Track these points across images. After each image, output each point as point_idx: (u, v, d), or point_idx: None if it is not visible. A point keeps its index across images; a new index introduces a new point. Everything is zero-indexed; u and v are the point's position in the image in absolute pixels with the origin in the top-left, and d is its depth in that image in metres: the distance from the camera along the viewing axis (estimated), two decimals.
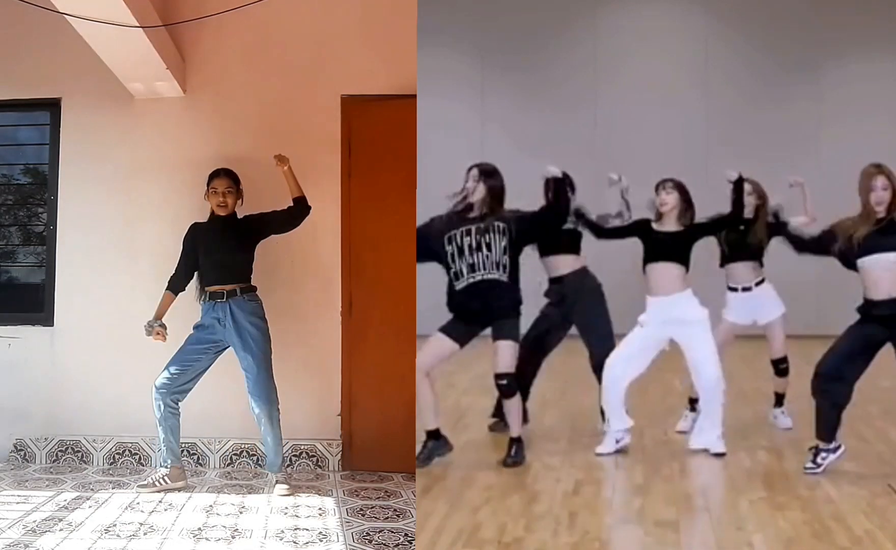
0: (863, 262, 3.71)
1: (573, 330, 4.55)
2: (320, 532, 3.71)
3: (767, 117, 8.79)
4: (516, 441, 3.94)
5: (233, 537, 3.64)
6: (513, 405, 3.93)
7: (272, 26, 5.02)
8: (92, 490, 4.41)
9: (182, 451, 4.91)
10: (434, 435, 3.94)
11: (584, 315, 4.43)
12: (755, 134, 8.65)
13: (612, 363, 4.13)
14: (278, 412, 4.45)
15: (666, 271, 4.06)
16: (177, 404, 4.47)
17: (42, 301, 5.13)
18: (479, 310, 3.91)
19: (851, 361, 3.71)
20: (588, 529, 3.08)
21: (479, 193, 3.93)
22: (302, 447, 4.95)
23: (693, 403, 4.53)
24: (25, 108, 5.26)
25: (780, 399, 4.67)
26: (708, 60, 9.06)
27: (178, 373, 4.43)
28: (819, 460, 3.75)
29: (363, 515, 4.00)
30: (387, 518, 3.94)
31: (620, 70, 9.06)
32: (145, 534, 3.66)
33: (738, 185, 4.16)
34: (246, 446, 4.95)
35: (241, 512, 4.02)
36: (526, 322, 4.16)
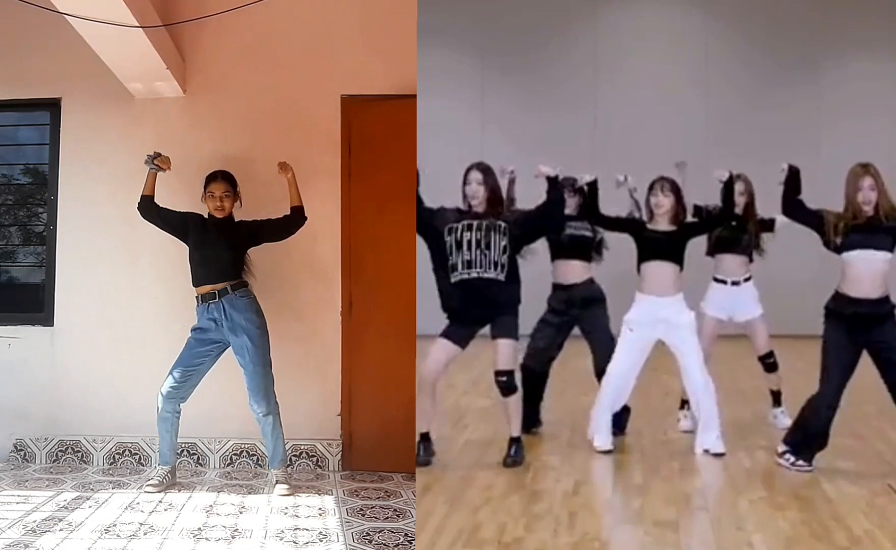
0: (848, 256, 3.72)
1: (574, 331, 4.56)
2: (320, 532, 3.72)
3: (767, 117, 8.80)
4: (516, 441, 3.94)
5: (233, 537, 3.64)
6: (512, 404, 3.93)
7: (272, 26, 5.02)
8: (92, 490, 4.41)
9: (182, 451, 4.93)
10: (426, 438, 3.98)
11: (590, 325, 4.45)
12: (755, 134, 8.65)
13: (610, 383, 4.14)
14: (278, 408, 4.45)
15: (661, 270, 4.07)
16: (180, 407, 4.50)
17: (42, 301, 5.13)
18: (475, 309, 3.91)
19: (845, 385, 3.76)
20: (588, 529, 3.08)
21: (481, 192, 3.93)
22: (302, 447, 4.95)
23: (685, 403, 4.54)
24: (25, 108, 5.26)
25: (777, 398, 4.68)
26: (708, 60, 9.06)
27: (185, 379, 4.44)
28: (792, 461, 3.84)
29: (363, 515, 4.00)
30: (387, 518, 3.94)
31: (620, 70, 9.06)
32: (145, 534, 3.66)
33: (729, 184, 4.16)
34: (246, 446, 4.95)
35: (241, 512, 4.02)
36: (526, 323, 4.16)
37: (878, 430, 4.51)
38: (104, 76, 4.72)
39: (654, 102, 8.90)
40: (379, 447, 4.82)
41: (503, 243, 3.89)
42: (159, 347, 4.85)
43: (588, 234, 4.43)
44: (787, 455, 3.84)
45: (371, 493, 4.41)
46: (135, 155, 5.04)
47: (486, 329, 3.98)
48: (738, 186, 4.38)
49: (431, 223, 3.97)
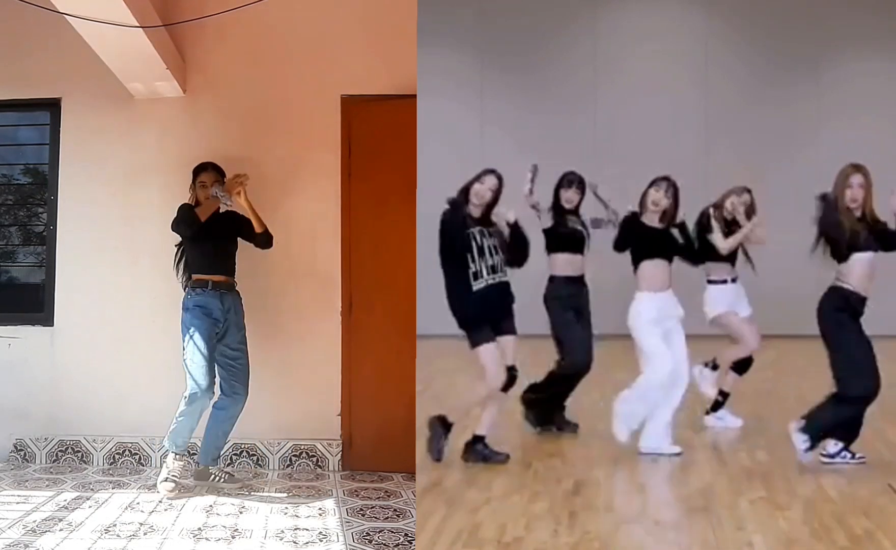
0: (861, 257, 3.74)
1: None
2: (320, 532, 3.72)
3: (767, 116, 8.80)
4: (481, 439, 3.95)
5: (233, 537, 3.64)
6: (501, 399, 3.94)
7: (272, 26, 5.02)
8: (92, 490, 4.41)
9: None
10: (481, 440, 3.93)
11: (587, 316, 4.48)
12: (755, 133, 8.66)
13: (662, 386, 4.03)
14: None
15: (659, 267, 4.06)
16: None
17: (42, 301, 5.13)
18: (500, 312, 3.89)
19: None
20: (588, 529, 3.08)
21: (489, 196, 3.90)
22: (302, 447, 4.95)
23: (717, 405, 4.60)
24: (25, 108, 5.26)
25: (724, 400, 4.68)
26: (708, 60, 9.06)
27: (212, 367, 4.36)
28: (837, 456, 3.84)
29: (363, 515, 4.00)
30: (387, 518, 3.94)
31: (620, 70, 9.07)
32: (145, 534, 3.66)
33: (682, 226, 4.18)
34: (246, 446, 4.95)
35: (241, 512, 4.02)
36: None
37: (878, 431, 4.51)
38: (104, 76, 4.72)
39: (654, 102, 8.90)
40: (379, 447, 4.82)
41: (502, 243, 3.89)
42: (159, 347, 4.86)
43: (582, 230, 4.45)
44: (844, 453, 3.86)
45: (371, 493, 4.41)
46: (135, 155, 5.07)
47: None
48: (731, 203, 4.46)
49: (454, 239, 3.85)
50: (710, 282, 4.58)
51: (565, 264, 4.43)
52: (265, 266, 4.81)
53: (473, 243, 3.81)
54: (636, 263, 4.11)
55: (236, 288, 4.55)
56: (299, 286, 4.97)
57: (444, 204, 3.97)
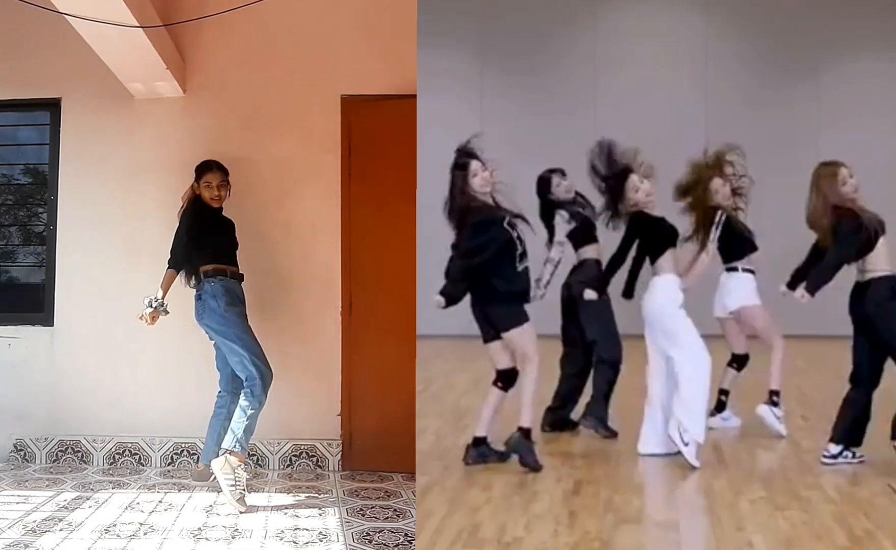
0: (882, 240, 3.79)
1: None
2: (320, 532, 3.72)
3: (767, 117, 8.80)
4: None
5: (233, 537, 3.64)
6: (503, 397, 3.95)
7: (272, 26, 5.02)
8: (92, 490, 4.41)
9: (182, 451, 4.93)
10: (528, 435, 3.86)
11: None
12: (755, 134, 8.64)
13: (706, 379, 3.95)
14: None
15: (669, 256, 4.03)
16: None
17: (42, 301, 5.13)
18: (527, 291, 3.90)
19: None
20: (588, 529, 3.08)
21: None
22: (302, 447, 4.95)
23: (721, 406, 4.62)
24: (25, 108, 5.26)
25: (727, 398, 4.69)
26: (708, 60, 9.07)
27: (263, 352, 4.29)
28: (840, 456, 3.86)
29: (363, 515, 4.00)
30: (387, 518, 3.94)
31: (620, 70, 9.07)
32: (145, 534, 3.66)
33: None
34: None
35: (241, 512, 4.02)
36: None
37: (879, 431, 4.50)
38: (104, 76, 4.72)
39: (654, 102, 8.90)
40: (379, 447, 4.82)
41: None
42: (159, 347, 4.86)
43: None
44: (845, 453, 3.87)
45: (371, 493, 4.41)
46: (135, 155, 5.07)
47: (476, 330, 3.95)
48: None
49: (495, 224, 3.81)
50: (732, 269, 4.51)
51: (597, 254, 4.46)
52: (265, 266, 4.81)
53: (515, 230, 3.80)
54: (656, 256, 4.02)
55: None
56: (299, 286, 4.97)
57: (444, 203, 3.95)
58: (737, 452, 4.15)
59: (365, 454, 4.89)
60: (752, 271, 4.51)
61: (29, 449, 5.03)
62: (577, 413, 4.58)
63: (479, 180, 3.81)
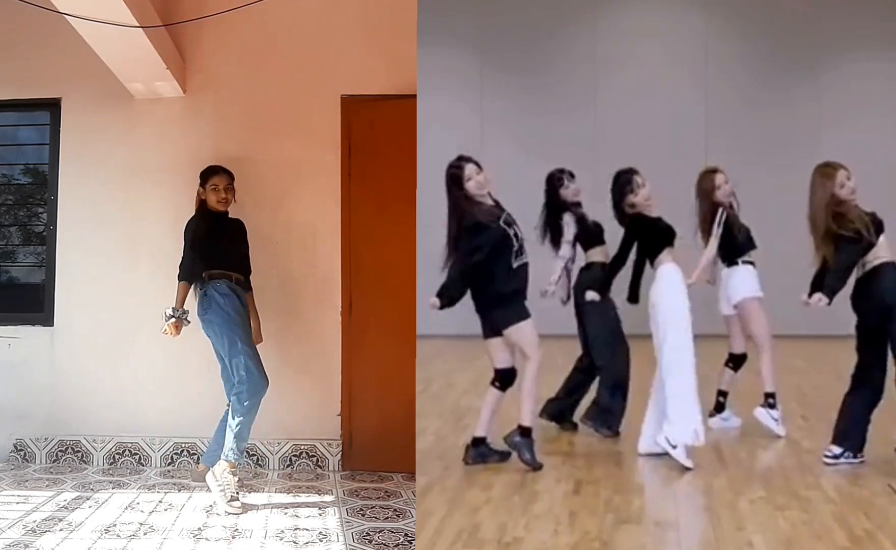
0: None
1: (573, 330, 4.57)
2: (320, 532, 3.72)
3: (767, 117, 8.80)
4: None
5: (233, 537, 3.64)
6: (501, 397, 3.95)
7: (272, 26, 5.03)
8: (92, 490, 4.41)
9: (182, 451, 4.93)
10: (528, 433, 3.85)
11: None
12: (754, 134, 8.67)
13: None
14: None
15: (667, 254, 4.03)
16: None
17: (42, 301, 5.13)
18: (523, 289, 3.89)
19: None
20: (588, 529, 3.08)
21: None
22: (302, 448, 4.95)
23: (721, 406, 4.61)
24: (25, 108, 5.27)
25: (726, 398, 4.69)
26: (708, 60, 9.06)
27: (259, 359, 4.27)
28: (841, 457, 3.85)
29: (363, 515, 4.00)
30: (387, 518, 3.94)
31: (620, 69, 9.06)
32: (145, 534, 3.66)
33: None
34: (246, 446, 4.93)
35: (231, 514, 4.01)
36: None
37: (879, 431, 4.51)
38: (104, 76, 4.72)
39: (654, 102, 8.90)
40: (379, 447, 4.82)
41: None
42: (159, 347, 4.85)
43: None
44: (847, 453, 3.86)
45: (371, 493, 4.41)
46: (135, 155, 5.07)
47: (477, 329, 3.95)
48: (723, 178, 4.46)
49: (492, 226, 3.81)
50: (732, 264, 4.51)
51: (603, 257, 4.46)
52: (265, 266, 4.80)
53: (513, 228, 3.81)
54: (654, 256, 4.03)
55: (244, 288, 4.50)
56: (299, 286, 4.97)
57: (445, 200, 3.95)
58: (737, 452, 4.15)
59: (365, 454, 4.89)
60: (752, 263, 4.52)
61: (29, 449, 5.03)
62: (577, 414, 4.58)
63: (473, 184, 3.83)
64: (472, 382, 5.86)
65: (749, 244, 4.51)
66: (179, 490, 4.41)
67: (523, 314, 3.83)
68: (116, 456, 4.99)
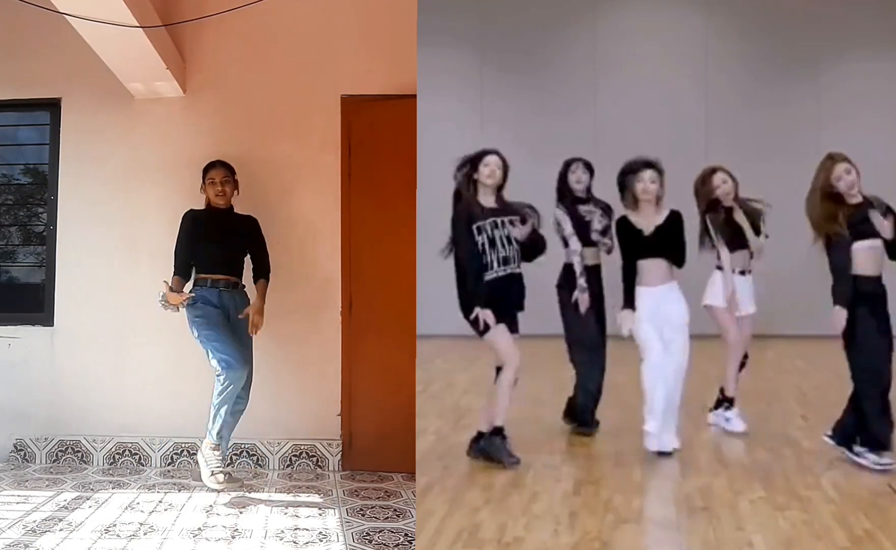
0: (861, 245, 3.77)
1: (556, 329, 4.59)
2: (320, 532, 3.72)
3: (766, 116, 8.79)
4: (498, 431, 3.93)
5: (233, 537, 3.65)
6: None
7: (272, 26, 5.03)
8: (92, 490, 4.41)
9: (182, 451, 4.93)
10: (499, 432, 3.86)
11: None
12: (754, 133, 8.66)
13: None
14: None
15: (656, 266, 4.01)
16: None
17: (42, 301, 5.13)
18: (509, 302, 3.84)
19: None
20: (588, 529, 3.08)
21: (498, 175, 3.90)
22: (302, 448, 4.95)
23: (720, 404, 4.58)
24: (25, 108, 5.27)
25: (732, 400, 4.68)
26: (708, 60, 9.06)
27: (234, 345, 4.28)
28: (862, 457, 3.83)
29: (363, 515, 4.00)
30: (387, 518, 3.94)
31: (620, 69, 9.06)
32: (145, 534, 3.67)
33: None
34: (246, 446, 4.95)
35: (241, 512, 4.02)
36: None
37: None
38: (104, 76, 4.72)
39: (654, 102, 8.89)
40: (379, 447, 4.82)
41: (515, 235, 3.87)
42: (159, 347, 4.86)
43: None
44: (868, 454, 3.84)
45: (371, 493, 4.41)
46: (135, 155, 5.07)
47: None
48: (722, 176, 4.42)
49: (460, 230, 3.82)
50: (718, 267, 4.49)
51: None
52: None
53: (482, 236, 3.78)
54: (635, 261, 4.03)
55: (237, 289, 4.49)
56: (299, 286, 4.97)
57: (445, 200, 3.96)
58: (737, 452, 4.15)
59: (365, 454, 4.89)
60: (719, 268, 4.45)
61: (29, 449, 5.03)
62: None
63: (487, 171, 3.84)
64: (472, 382, 5.86)
65: (736, 245, 4.44)
66: (179, 490, 4.41)
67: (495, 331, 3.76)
68: (116, 456, 4.99)
